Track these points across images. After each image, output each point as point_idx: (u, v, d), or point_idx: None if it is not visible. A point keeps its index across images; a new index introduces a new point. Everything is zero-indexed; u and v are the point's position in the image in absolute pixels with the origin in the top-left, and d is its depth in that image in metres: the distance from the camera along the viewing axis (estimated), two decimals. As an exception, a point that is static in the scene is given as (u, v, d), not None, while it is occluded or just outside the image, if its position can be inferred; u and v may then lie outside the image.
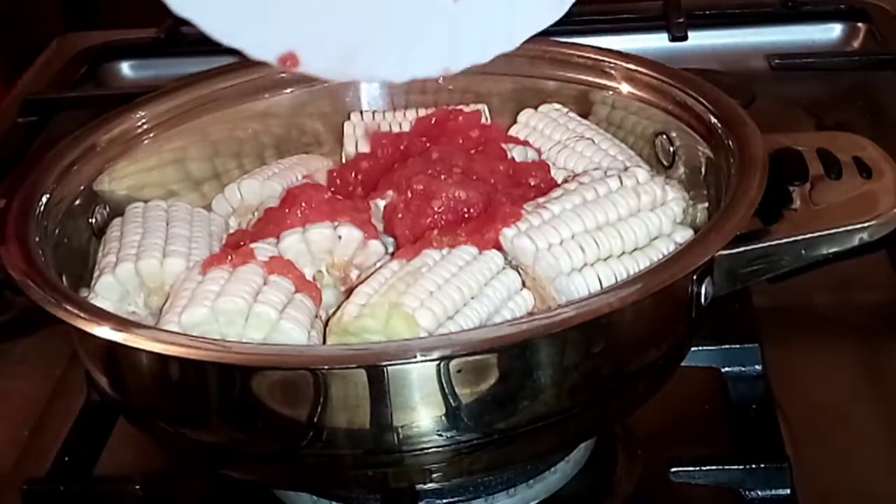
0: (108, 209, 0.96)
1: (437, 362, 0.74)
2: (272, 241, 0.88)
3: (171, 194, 1.00)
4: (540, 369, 0.76)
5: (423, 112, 1.03)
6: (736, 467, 0.85)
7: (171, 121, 1.01)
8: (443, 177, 0.91)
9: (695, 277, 0.81)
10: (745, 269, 0.84)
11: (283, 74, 1.05)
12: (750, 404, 0.92)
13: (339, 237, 0.88)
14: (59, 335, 0.98)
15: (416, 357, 0.74)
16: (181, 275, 0.87)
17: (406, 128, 1.02)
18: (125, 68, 1.58)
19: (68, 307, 0.78)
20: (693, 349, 0.88)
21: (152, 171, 1.00)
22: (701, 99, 0.95)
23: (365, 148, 1.01)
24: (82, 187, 0.95)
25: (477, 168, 0.92)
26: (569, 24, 1.51)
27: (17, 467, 0.94)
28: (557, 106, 1.03)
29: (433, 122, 1.00)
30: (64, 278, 0.86)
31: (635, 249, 0.84)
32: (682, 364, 0.86)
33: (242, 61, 1.07)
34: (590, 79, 1.03)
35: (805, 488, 0.85)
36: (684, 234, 0.86)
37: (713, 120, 0.93)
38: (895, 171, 0.89)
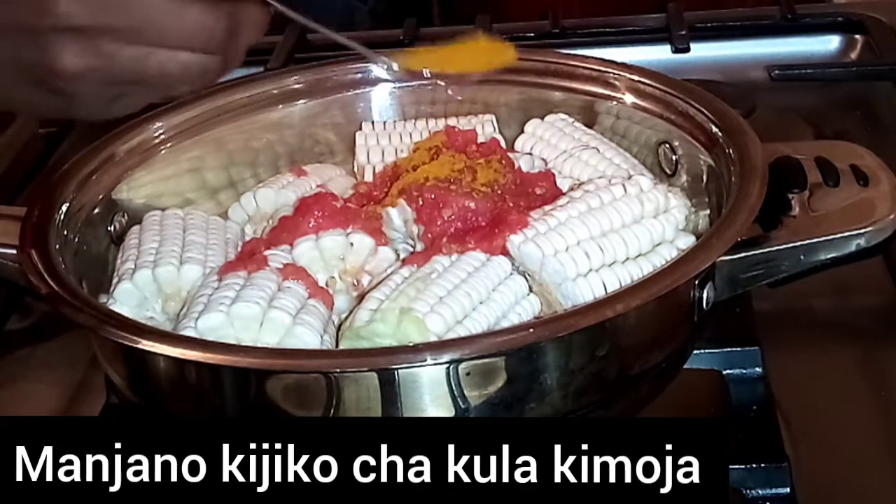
0: (126, 217, 0.97)
1: (446, 365, 0.75)
2: (286, 249, 0.89)
3: (188, 203, 1.01)
4: (546, 372, 0.77)
5: (432, 122, 1.04)
6: (737, 467, 0.85)
7: (188, 131, 1.02)
8: (452, 187, 0.91)
9: (697, 282, 0.82)
10: (745, 274, 0.85)
11: (298, 86, 1.06)
12: (751, 406, 0.91)
13: (351, 244, 0.89)
14: (78, 340, 0.98)
15: (426, 360, 0.74)
16: (198, 281, 0.87)
17: (416, 137, 1.02)
18: (143, 80, 1.58)
19: (88, 313, 0.79)
20: (695, 352, 0.88)
21: (169, 180, 1.01)
22: (703, 109, 0.95)
23: (376, 158, 1.02)
24: (101, 196, 0.96)
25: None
26: (574, 36, 1.53)
27: (37, 469, 0.95)
28: (563, 116, 1.03)
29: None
30: (84, 285, 0.86)
31: (639, 255, 0.85)
32: (685, 367, 0.87)
33: (257, 73, 1.09)
34: (595, 90, 1.03)
35: (804, 487, 0.84)
36: (686, 241, 0.87)
37: (714, 129, 0.93)
38: (891, 179, 0.89)
